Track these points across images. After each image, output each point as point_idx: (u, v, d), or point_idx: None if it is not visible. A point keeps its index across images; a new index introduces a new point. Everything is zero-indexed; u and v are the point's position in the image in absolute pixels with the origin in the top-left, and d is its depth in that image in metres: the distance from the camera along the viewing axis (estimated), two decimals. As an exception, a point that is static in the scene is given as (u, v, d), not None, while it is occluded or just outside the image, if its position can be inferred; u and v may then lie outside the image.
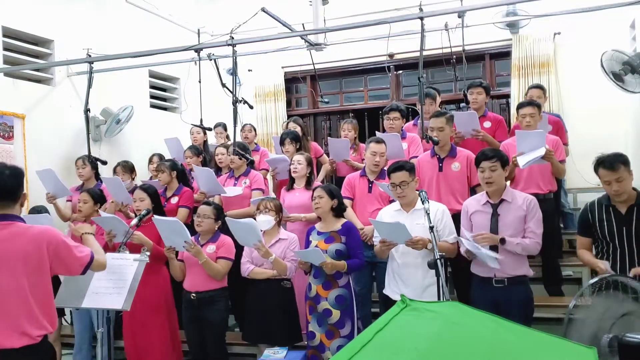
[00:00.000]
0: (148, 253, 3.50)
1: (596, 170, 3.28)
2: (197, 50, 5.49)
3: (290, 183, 4.82)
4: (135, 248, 3.74)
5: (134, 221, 3.91)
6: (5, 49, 5.66)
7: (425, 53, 4.85)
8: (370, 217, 3.94)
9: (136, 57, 6.01)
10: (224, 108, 6.10)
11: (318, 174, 5.64)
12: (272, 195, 5.33)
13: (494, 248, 3.50)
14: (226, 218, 4.19)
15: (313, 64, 6.07)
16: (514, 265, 3.53)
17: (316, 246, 3.84)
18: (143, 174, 6.23)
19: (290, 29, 5.48)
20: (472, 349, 1.71)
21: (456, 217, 3.87)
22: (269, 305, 3.97)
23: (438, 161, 4.39)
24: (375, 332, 1.77)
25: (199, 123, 6.08)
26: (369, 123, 7.88)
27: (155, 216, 4.04)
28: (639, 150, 5.71)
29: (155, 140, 6.78)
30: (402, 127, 5.28)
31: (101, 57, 5.99)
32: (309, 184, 4.71)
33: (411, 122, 5.61)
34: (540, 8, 6.05)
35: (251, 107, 5.90)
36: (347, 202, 4.32)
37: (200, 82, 5.78)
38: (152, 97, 7.58)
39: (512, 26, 6.98)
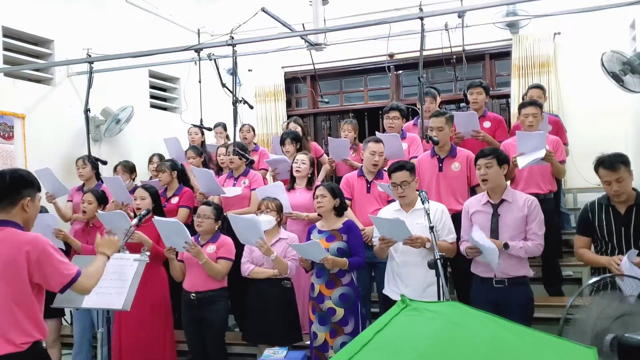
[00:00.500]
0: (148, 253, 3.50)
1: (596, 170, 3.27)
2: (197, 50, 5.49)
3: (291, 183, 4.82)
4: (134, 248, 3.75)
5: (134, 221, 3.91)
6: (5, 49, 5.66)
7: (425, 53, 4.85)
8: (369, 215, 3.93)
9: (136, 57, 6.01)
10: (224, 108, 6.11)
11: (318, 174, 5.64)
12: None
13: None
14: (228, 214, 4.19)
15: (313, 64, 6.07)
16: (514, 265, 3.53)
17: None
18: (143, 174, 6.23)
19: (290, 29, 5.48)
20: (472, 349, 1.71)
21: (456, 217, 3.87)
22: (269, 305, 3.98)
23: (438, 161, 4.39)
24: (375, 332, 1.77)
25: (199, 123, 6.08)
26: (369, 123, 7.89)
27: (156, 217, 4.04)
28: (639, 150, 5.71)
29: (155, 140, 6.78)
30: (402, 127, 5.28)
31: (101, 57, 5.99)
32: (310, 183, 4.72)
33: (411, 122, 5.61)
34: (540, 8, 6.05)
35: (251, 107, 5.91)
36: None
37: (200, 82, 5.78)
38: (152, 97, 7.58)
39: (512, 26, 6.98)
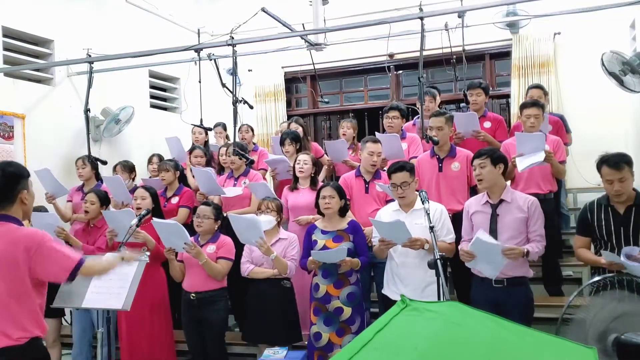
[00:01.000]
0: (148, 253, 3.50)
1: (599, 168, 3.26)
2: (197, 50, 5.49)
3: (294, 183, 4.81)
4: (134, 248, 3.74)
5: (134, 220, 3.91)
6: (5, 49, 5.66)
7: (425, 53, 4.85)
8: (368, 217, 3.93)
9: (136, 57, 6.01)
10: (224, 108, 6.10)
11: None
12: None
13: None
14: (228, 214, 4.19)
15: (313, 64, 6.07)
16: (514, 265, 3.51)
17: (325, 245, 3.84)
18: (143, 174, 6.23)
19: (290, 29, 5.48)
20: (472, 349, 1.71)
21: (456, 217, 3.87)
22: (269, 305, 3.98)
23: (438, 161, 4.39)
24: (375, 332, 1.77)
25: (199, 123, 6.08)
26: (369, 123, 7.89)
27: (154, 219, 4.04)
28: (639, 150, 5.71)
29: (155, 140, 6.79)
30: (402, 127, 5.28)
31: (101, 57, 5.99)
32: (313, 184, 4.70)
33: (411, 122, 5.61)
34: (540, 8, 6.05)
35: (251, 107, 5.90)
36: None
37: (200, 82, 5.77)
38: (152, 97, 7.58)
39: (512, 26, 6.98)
